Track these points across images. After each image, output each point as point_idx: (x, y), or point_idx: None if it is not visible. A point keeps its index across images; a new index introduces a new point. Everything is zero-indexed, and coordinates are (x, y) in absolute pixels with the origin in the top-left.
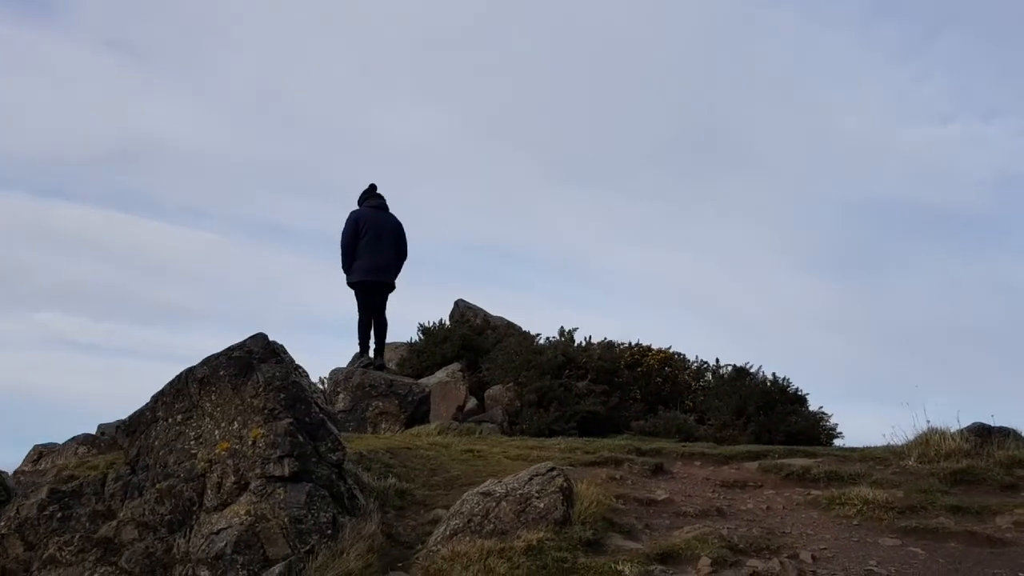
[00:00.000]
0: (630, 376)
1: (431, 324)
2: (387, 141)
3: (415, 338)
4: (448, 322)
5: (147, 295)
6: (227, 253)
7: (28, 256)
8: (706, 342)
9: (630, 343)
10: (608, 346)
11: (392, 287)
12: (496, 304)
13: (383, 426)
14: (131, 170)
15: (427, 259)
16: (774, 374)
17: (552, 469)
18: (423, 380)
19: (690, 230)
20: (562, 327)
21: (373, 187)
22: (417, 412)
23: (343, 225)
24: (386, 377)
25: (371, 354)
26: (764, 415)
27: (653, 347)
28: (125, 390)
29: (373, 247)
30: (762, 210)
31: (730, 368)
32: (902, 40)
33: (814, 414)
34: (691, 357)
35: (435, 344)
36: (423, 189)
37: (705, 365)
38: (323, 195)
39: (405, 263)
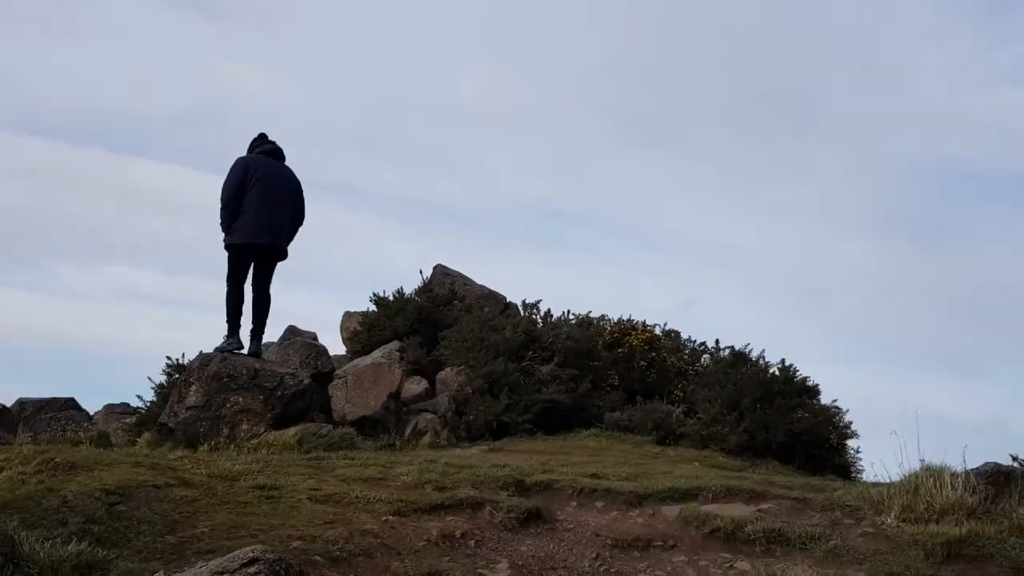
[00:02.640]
0: (608, 359)
1: (387, 293)
2: (453, 102)
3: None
4: (431, 288)
5: (220, 252)
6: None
7: (104, 210)
8: (765, 308)
9: (615, 320)
10: (585, 323)
11: (283, 254)
12: (552, 268)
13: (243, 427)
14: (205, 128)
15: (494, 222)
16: (783, 361)
17: (254, 561)
18: (357, 360)
19: (757, 193)
20: (522, 301)
21: (264, 135)
22: (289, 410)
23: (228, 173)
24: (251, 365)
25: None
26: (761, 409)
27: (647, 324)
28: (198, 343)
29: (263, 202)
30: (833, 173)
31: (727, 352)
32: None
33: (825, 408)
34: (687, 337)
35: (388, 316)
36: (489, 150)
37: (702, 347)
38: (395, 157)
39: (300, 229)
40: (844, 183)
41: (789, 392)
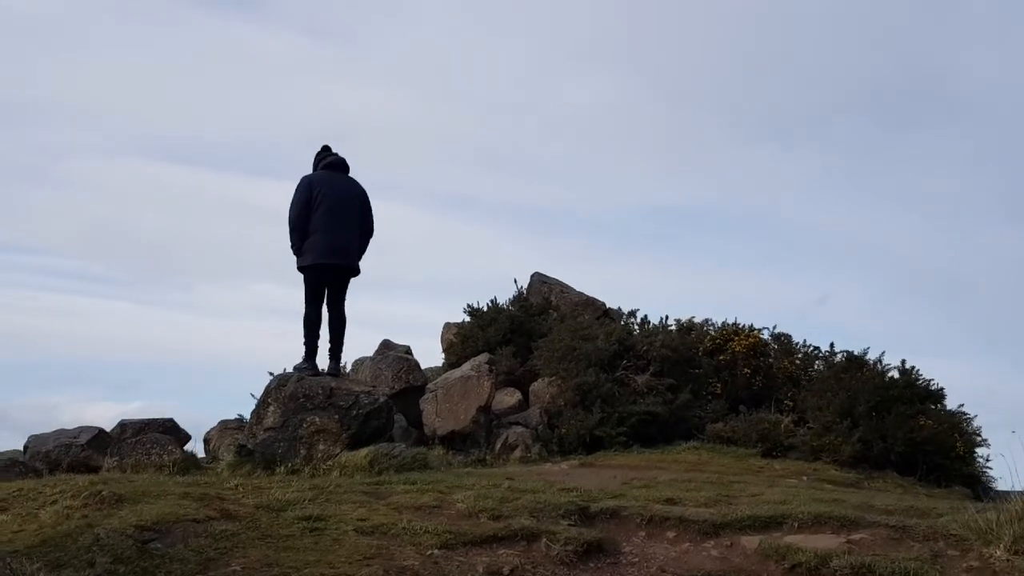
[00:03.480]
0: (710, 366)
1: (480, 304)
2: (564, 109)
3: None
4: (526, 297)
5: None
6: (421, 224)
7: (242, 231)
8: (903, 303)
9: (719, 324)
10: (685, 329)
11: (355, 271)
12: (671, 272)
13: (320, 447)
14: (336, 149)
15: (610, 226)
16: (903, 363)
17: None
18: (448, 374)
19: (887, 183)
20: (617, 308)
21: (327, 148)
22: (365, 429)
23: (293, 193)
24: (326, 384)
25: (324, 363)
26: (878, 416)
27: (754, 328)
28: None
29: (331, 221)
30: (967, 159)
31: (842, 356)
32: None
33: (950, 414)
34: (799, 340)
35: (481, 327)
36: (604, 155)
37: (815, 351)
38: (509, 168)
39: (371, 242)
40: (980, 168)
41: (910, 398)
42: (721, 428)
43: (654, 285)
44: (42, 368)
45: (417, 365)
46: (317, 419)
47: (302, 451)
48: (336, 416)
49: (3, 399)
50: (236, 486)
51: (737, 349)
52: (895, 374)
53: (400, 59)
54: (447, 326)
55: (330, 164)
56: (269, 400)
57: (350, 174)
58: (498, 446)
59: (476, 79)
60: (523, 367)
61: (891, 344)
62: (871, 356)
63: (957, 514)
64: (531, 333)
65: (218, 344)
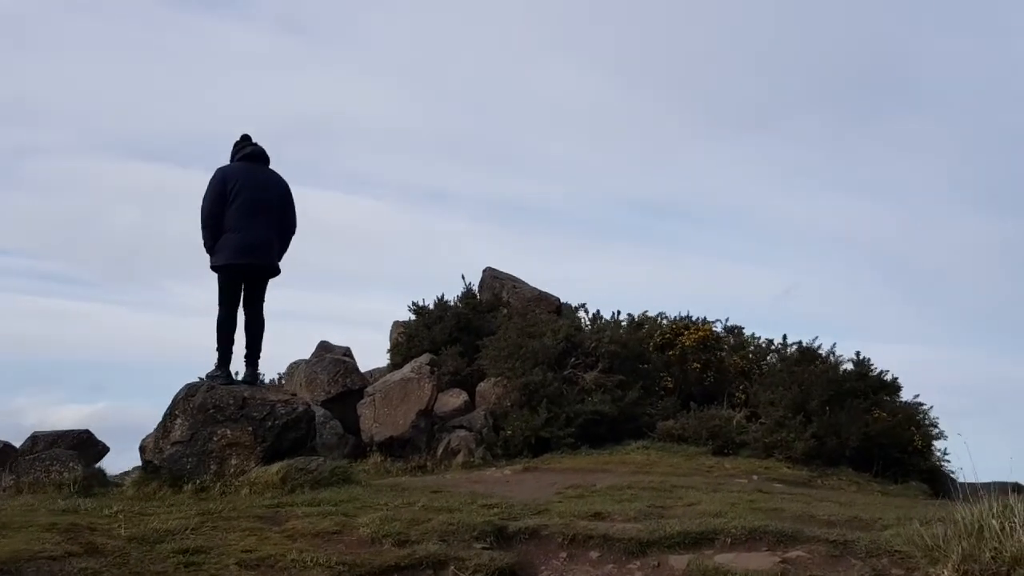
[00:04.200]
0: (660, 362)
1: (426, 301)
2: (542, 103)
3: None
4: (477, 295)
5: (320, 262)
6: (393, 219)
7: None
8: (873, 292)
9: (667, 319)
10: (636, 324)
11: (274, 271)
12: (643, 263)
13: (232, 462)
14: (308, 143)
15: (586, 219)
16: (857, 353)
17: None
18: (388, 376)
19: (857, 173)
20: (567, 303)
21: (247, 137)
22: (281, 441)
23: (206, 187)
24: (238, 393)
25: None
26: (831, 411)
27: (707, 320)
28: (300, 353)
29: (247, 217)
30: (934, 147)
31: (794, 348)
32: None
33: (905, 406)
34: (752, 333)
35: (426, 326)
36: (577, 148)
37: (768, 344)
38: (485, 162)
39: (292, 239)
40: (952, 157)
41: (863, 390)
42: (672, 426)
43: (626, 279)
44: (6, 370)
45: (355, 368)
46: (228, 432)
47: (212, 467)
48: (249, 428)
49: None
50: (116, 513)
51: (687, 343)
52: (849, 366)
53: (373, 52)
54: (395, 324)
55: (248, 155)
56: (177, 412)
57: (271, 166)
58: (440, 451)
59: (449, 72)
60: (470, 367)
61: (858, 332)
62: (824, 347)
63: (902, 528)
64: (479, 331)
65: (187, 343)
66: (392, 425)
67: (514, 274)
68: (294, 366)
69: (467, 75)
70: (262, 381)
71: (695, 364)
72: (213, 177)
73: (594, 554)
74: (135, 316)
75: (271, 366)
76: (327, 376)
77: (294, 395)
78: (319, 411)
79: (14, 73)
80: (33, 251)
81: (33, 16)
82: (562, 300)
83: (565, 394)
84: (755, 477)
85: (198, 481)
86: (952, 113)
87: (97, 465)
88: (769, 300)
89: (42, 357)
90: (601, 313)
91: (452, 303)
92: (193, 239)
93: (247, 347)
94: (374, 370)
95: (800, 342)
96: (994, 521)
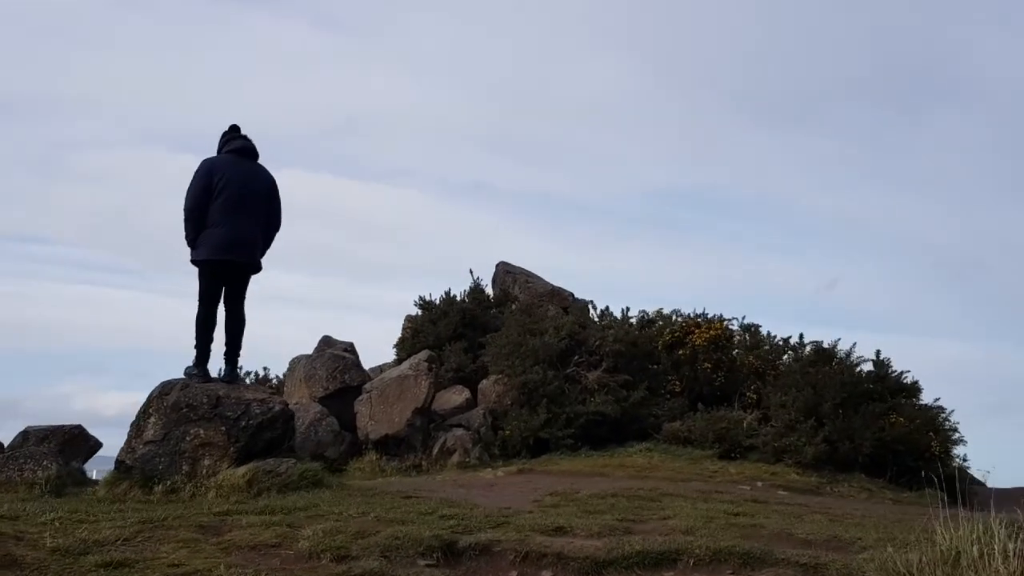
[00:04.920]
0: (669, 362)
1: (434, 296)
2: (575, 96)
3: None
4: (491, 289)
5: (359, 254)
6: (430, 211)
7: None
8: (915, 284)
9: (682, 316)
10: (647, 322)
11: (256, 268)
12: (686, 256)
13: (205, 463)
14: (346, 137)
15: (623, 213)
16: (878, 353)
17: None
18: (386, 372)
19: (899, 167)
20: (580, 300)
21: (235, 128)
22: (256, 442)
23: (191, 177)
24: (212, 392)
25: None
26: (844, 415)
27: (722, 318)
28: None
29: (232, 212)
30: (977, 140)
31: (810, 348)
32: None
33: (926, 410)
34: (769, 331)
35: (432, 321)
36: (612, 141)
37: (783, 343)
38: (523, 155)
39: (276, 236)
40: (991, 150)
41: (881, 393)
42: (678, 427)
43: (661, 273)
44: (54, 358)
45: (355, 364)
46: (202, 431)
47: (184, 467)
48: (223, 428)
49: (16, 389)
50: (52, 520)
51: (698, 342)
52: (869, 366)
53: (407, 47)
54: (408, 319)
55: (236, 149)
56: (150, 410)
57: (259, 160)
58: (435, 451)
59: (484, 67)
60: (474, 364)
61: (901, 326)
62: (842, 348)
63: (878, 551)
64: (485, 327)
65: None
66: (388, 423)
67: (530, 268)
68: (295, 362)
69: (505, 70)
70: (242, 379)
71: (706, 364)
72: (199, 169)
73: (546, 573)
74: (177, 305)
75: None
76: (325, 372)
77: (273, 394)
78: (316, 408)
79: (64, 68)
80: (81, 242)
81: (80, 12)
82: (579, 296)
83: (567, 393)
84: (759, 484)
85: (169, 482)
86: (996, 106)
87: (75, 463)
88: (811, 294)
89: (87, 345)
90: (610, 309)
91: (459, 298)
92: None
93: (226, 344)
94: (383, 365)
95: (818, 341)
96: (973, 548)
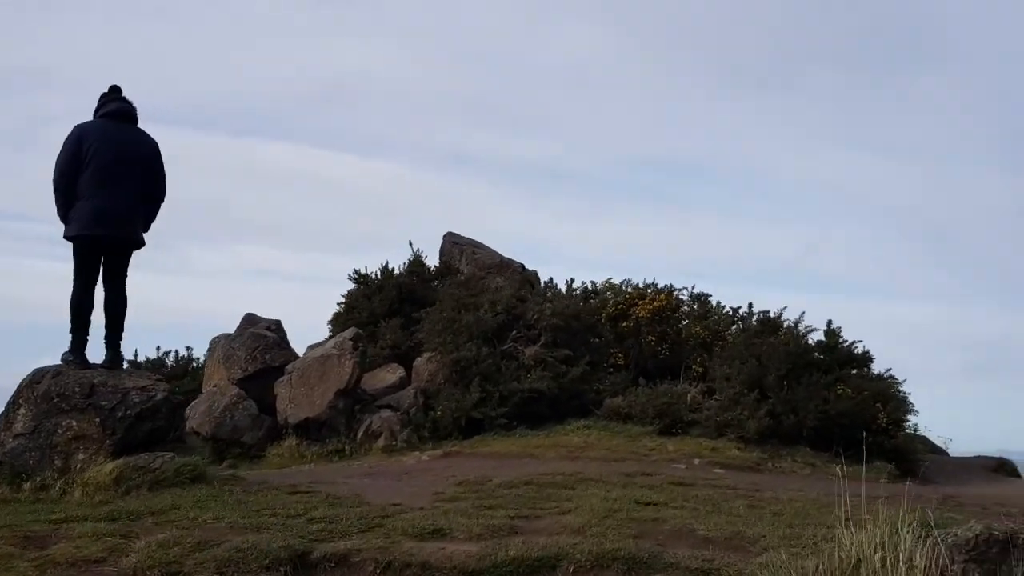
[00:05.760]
0: (612, 335)
1: (370, 270)
2: (556, 64)
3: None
4: (436, 262)
5: (338, 226)
6: (413, 183)
7: (231, 193)
8: (893, 249)
9: (632, 286)
10: (588, 295)
11: (136, 243)
12: (658, 225)
13: (79, 457)
14: (326, 109)
15: (599, 180)
16: (829, 323)
17: None
18: (308, 353)
19: (875, 132)
20: (521, 265)
21: (115, 89)
22: (134, 433)
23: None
24: (86, 381)
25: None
26: (789, 387)
27: (671, 288)
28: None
29: (102, 182)
30: (954, 106)
31: (756, 318)
32: None
33: (876, 381)
34: (718, 301)
35: (367, 296)
36: (590, 108)
37: (734, 313)
38: (501, 123)
39: (161, 207)
40: (969, 116)
41: (828, 364)
42: (619, 403)
43: (637, 239)
44: (31, 333)
45: (277, 343)
46: (75, 423)
47: (57, 462)
48: (97, 419)
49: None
50: None
51: (641, 314)
52: (820, 336)
53: (389, 14)
54: (345, 295)
55: (111, 112)
56: (20, 400)
57: (139, 125)
58: (360, 434)
59: (461, 35)
60: (411, 341)
61: (880, 291)
62: (789, 317)
63: (775, 555)
64: (423, 302)
65: (206, 305)
66: (308, 406)
67: (499, 238)
68: (215, 342)
69: (482, 37)
70: (125, 365)
71: (650, 336)
72: (68, 135)
73: None
74: (154, 280)
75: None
76: (245, 353)
77: (159, 380)
78: (233, 390)
79: (35, 37)
80: (55, 218)
81: None
82: (543, 268)
83: (502, 371)
84: (696, 461)
85: (39, 479)
86: (972, 72)
87: None
88: (789, 260)
89: (59, 322)
90: (554, 281)
91: (396, 271)
92: (209, 202)
93: (107, 327)
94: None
95: (765, 311)
96: (876, 556)
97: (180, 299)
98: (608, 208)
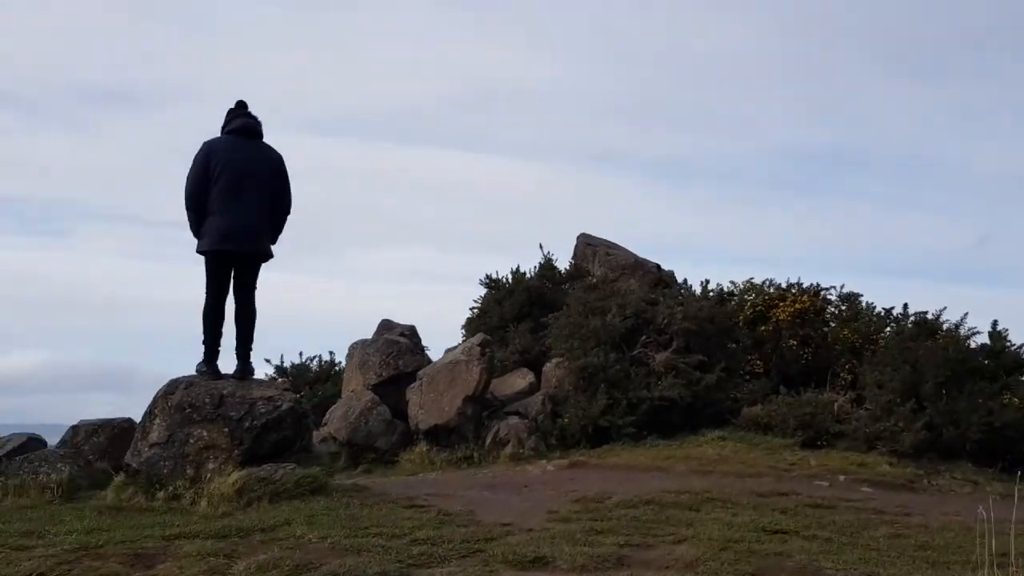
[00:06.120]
0: (750, 339)
1: (501, 274)
2: (705, 57)
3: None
4: (569, 264)
5: (486, 227)
6: (557, 182)
7: (386, 197)
8: None
9: (775, 286)
10: (719, 297)
11: (264, 256)
12: (816, 217)
13: (210, 467)
14: (475, 113)
15: (752, 174)
16: (994, 324)
17: None
18: (438, 359)
19: None
20: (656, 266)
21: (242, 104)
22: (261, 444)
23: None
24: (216, 391)
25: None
26: (949, 396)
27: (817, 288)
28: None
29: (232, 198)
30: None
31: (911, 320)
32: None
33: None
34: (869, 302)
35: (497, 301)
36: (740, 100)
37: (887, 315)
38: (653, 120)
39: (287, 220)
40: None
41: (993, 371)
42: (758, 412)
43: (789, 236)
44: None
45: (411, 348)
46: (205, 433)
47: (189, 472)
48: (226, 429)
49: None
50: None
51: (781, 317)
52: (985, 339)
53: (535, 18)
54: (478, 299)
55: (236, 129)
56: (156, 410)
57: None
58: (488, 441)
59: (608, 34)
60: (541, 346)
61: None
62: (949, 319)
63: None
64: (553, 305)
65: (371, 307)
66: (437, 412)
67: (635, 237)
68: (353, 348)
69: (630, 35)
70: (265, 374)
71: (791, 340)
72: (197, 153)
73: None
74: (320, 284)
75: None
76: (379, 358)
77: (286, 390)
78: (368, 396)
79: (186, 59)
80: None
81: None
82: (684, 267)
83: (632, 377)
84: (841, 478)
85: (171, 488)
86: None
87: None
88: (960, 251)
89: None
90: (689, 282)
91: (527, 275)
92: (370, 208)
93: (237, 338)
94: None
95: (924, 312)
96: None
97: (335, 301)
98: (755, 202)
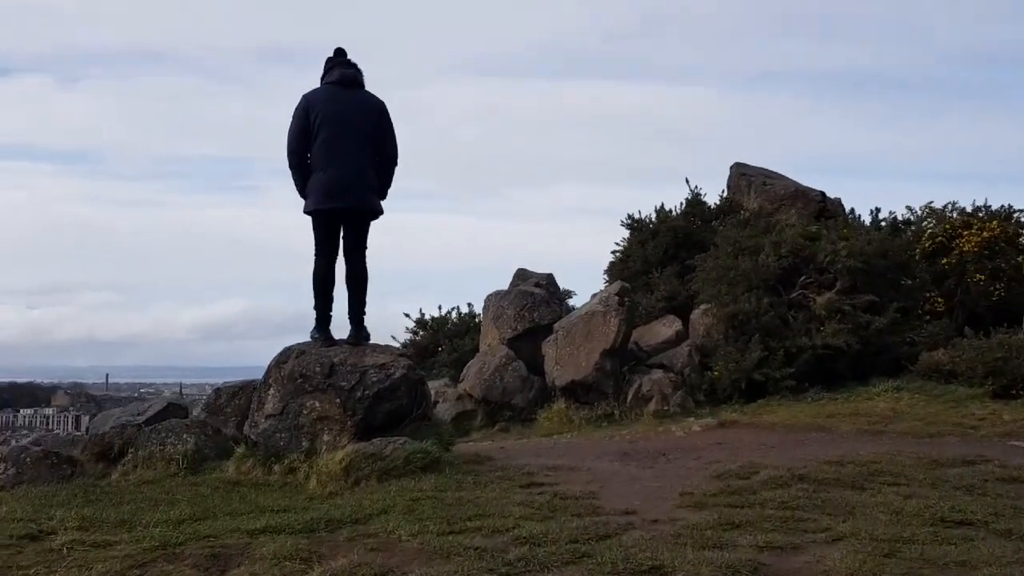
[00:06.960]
0: (929, 275)
1: (644, 213)
2: None
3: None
4: (725, 195)
5: (646, 160)
6: (720, 107)
7: (546, 134)
8: None
9: (940, 211)
10: (892, 227)
11: (373, 213)
12: (993, 124)
13: (324, 439)
14: (632, 40)
15: (921, 84)
16: None
17: None
18: (575, 311)
19: None
20: (821, 194)
21: (340, 52)
22: (374, 414)
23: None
24: (327, 360)
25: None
26: None
27: (1007, 211)
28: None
29: (332, 153)
30: None
31: None
32: None
33: None
34: None
35: (640, 243)
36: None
37: None
38: (812, 33)
39: (395, 172)
40: None
41: None
42: (939, 358)
43: (975, 150)
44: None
45: (546, 299)
46: (317, 404)
47: (304, 444)
48: (337, 400)
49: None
50: (62, 546)
51: (966, 247)
52: None
53: None
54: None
55: (335, 80)
56: (270, 380)
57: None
58: (629, 397)
59: None
60: (687, 291)
61: None
62: None
63: None
64: (703, 245)
65: (528, 246)
66: (574, 367)
67: (772, 167)
68: (488, 300)
69: None
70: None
71: (977, 275)
72: (296, 107)
73: None
74: (480, 224)
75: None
76: (513, 311)
77: (402, 355)
78: (502, 351)
79: (347, 16)
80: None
81: None
82: (850, 194)
83: (789, 324)
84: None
85: (286, 461)
86: None
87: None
88: None
89: (403, 266)
90: (857, 212)
91: (672, 212)
92: (529, 147)
93: (349, 302)
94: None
95: None
96: None
97: (504, 236)
98: (932, 115)
